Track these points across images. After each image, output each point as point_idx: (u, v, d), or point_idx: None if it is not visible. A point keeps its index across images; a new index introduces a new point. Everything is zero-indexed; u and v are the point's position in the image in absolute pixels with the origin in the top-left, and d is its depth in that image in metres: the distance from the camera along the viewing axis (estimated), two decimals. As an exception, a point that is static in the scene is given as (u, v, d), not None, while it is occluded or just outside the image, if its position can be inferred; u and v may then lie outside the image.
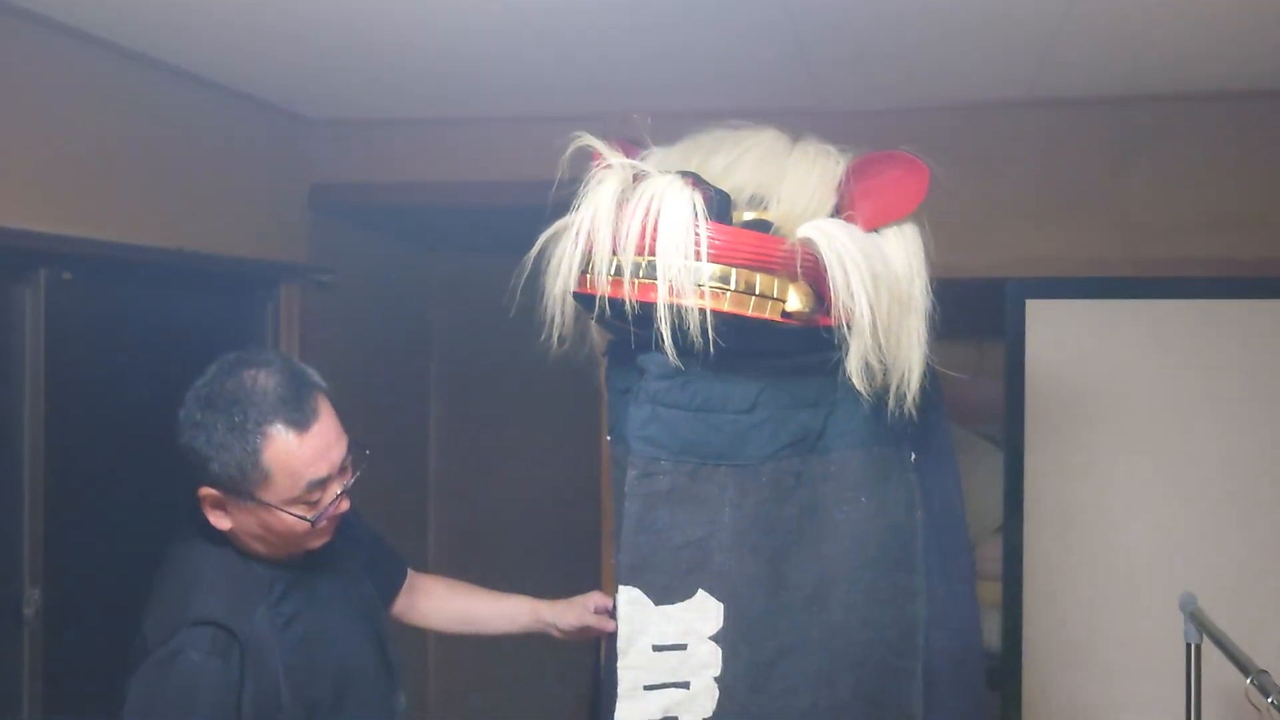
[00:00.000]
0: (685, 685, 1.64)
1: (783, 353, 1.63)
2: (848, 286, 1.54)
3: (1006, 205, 2.85)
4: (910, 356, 1.63)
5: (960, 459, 3.13)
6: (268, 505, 1.65)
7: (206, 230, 2.71)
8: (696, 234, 1.52)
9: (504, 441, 4.56)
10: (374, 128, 3.20)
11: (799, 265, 1.56)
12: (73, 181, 2.30)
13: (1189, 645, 2.09)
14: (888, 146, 1.64)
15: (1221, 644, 1.96)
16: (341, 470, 1.73)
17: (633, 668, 1.63)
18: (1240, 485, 2.70)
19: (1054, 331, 2.80)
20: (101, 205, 2.38)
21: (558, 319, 1.72)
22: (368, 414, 3.76)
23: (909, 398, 1.63)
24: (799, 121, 1.80)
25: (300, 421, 1.65)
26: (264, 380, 1.65)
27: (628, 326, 1.60)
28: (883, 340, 1.58)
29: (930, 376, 1.70)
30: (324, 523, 1.71)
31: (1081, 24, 2.18)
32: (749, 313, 1.55)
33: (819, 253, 1.55)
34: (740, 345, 1.57)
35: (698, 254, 1.52)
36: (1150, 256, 2.76)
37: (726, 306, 1.54)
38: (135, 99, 2.48)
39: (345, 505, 1.75)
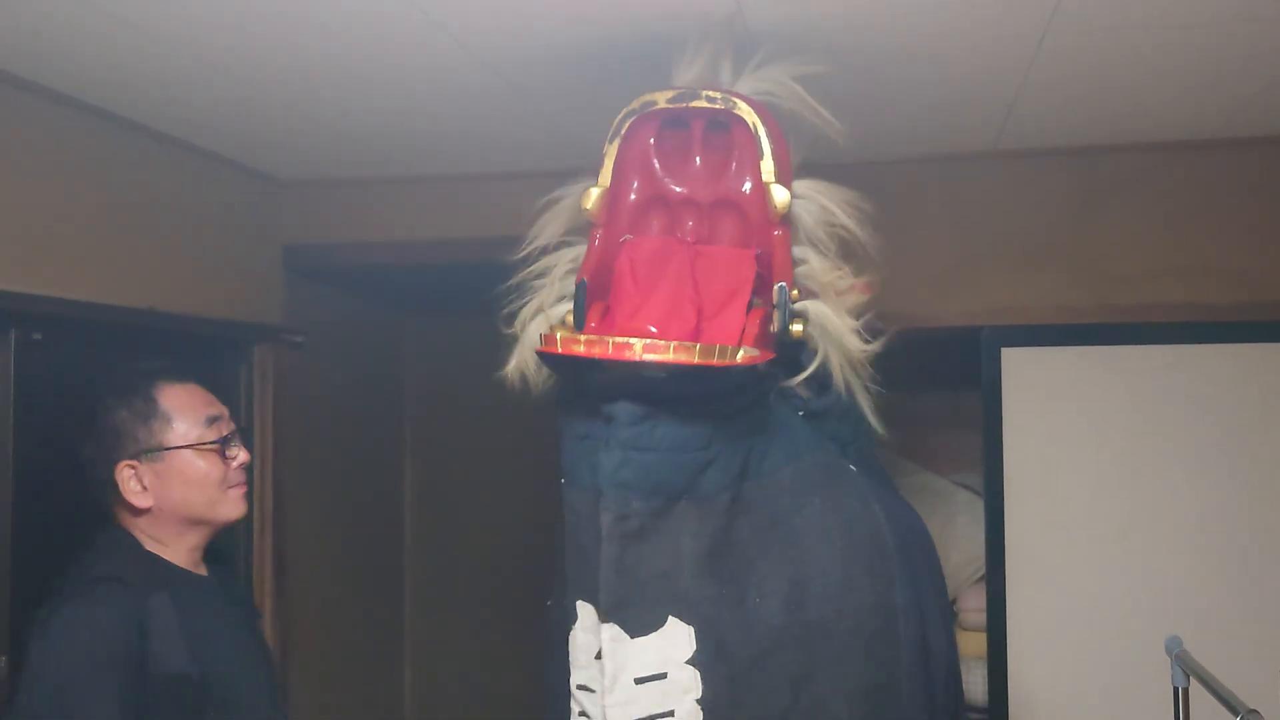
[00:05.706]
0: (670, 714, 1.71)
1: (733, 392, 1.75)
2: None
3: (977, 255, 2.87)
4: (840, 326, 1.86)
5: (939, 509, 3.16)
6: (178, 449, 1.86)
7: (180, 291, 2.70)
8: None
9: (479, 500, 4.52)
10: (347, 188, 3.20)
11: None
12: (44, 241, 2.28)
13: (1176, 689, 2.07)
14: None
15: (1210, 686, 1.95)
16: (232, 430, 1.97)
17: (619, 704, 1.71)
18: (1219, 527, 2.70)
19: (1030, 379, 2.81)
20: (73, 265, 2.36)
21: (529, 371, 1.87)
22: (343, 474, 3.73)
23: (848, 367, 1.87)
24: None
25: (180, 377, 1.97)
26: (145, 365, 1.98)
27: (583, 378, 1.74)
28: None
29: (866, 427, 1.97)
30: (235, 468, 1.93)
31: (1047, 76, 2.22)
32: (714, 361, 1.65)
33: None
34: (700, 390, 1.70)
35: None
36: (1122, 303, 2.79)
37: (696, 359, 1.64)
38: (107, 159, 2.47)
39: (246, 456, 1.97)
